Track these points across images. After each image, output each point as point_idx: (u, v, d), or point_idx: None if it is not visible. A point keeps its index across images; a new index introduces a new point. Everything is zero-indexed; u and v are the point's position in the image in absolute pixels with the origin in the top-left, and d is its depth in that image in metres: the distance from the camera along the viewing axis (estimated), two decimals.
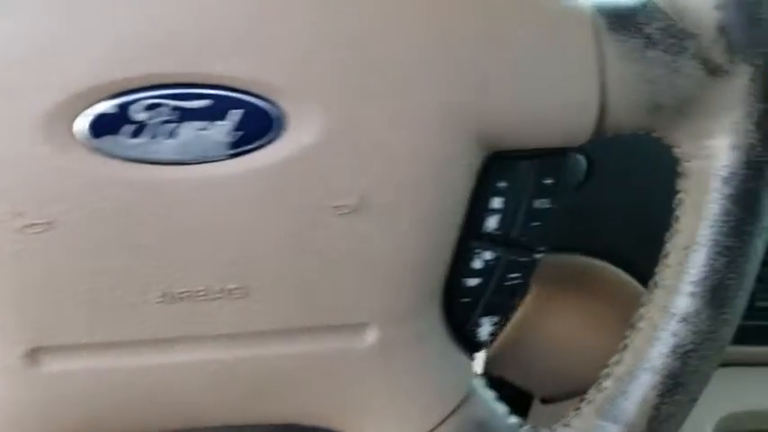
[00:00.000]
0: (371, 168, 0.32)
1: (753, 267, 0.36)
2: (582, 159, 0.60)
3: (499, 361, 0.85)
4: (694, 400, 0.37)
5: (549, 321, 0.77)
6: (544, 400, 0.93)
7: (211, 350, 0.34)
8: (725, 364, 0.75)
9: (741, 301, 0.36)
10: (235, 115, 0.31)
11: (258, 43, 0.30)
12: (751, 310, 0.70)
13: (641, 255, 0.43)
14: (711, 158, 0.35)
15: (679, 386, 0.36)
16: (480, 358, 0.85)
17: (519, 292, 0.37)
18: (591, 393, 0.38)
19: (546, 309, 0.76)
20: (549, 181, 0.36)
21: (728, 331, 0.36)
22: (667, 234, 0.37)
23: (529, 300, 0.74)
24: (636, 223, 0.61)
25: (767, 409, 0.77)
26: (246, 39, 0.30)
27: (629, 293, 0.65)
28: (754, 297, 0.69)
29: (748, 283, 0.36)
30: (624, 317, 0.40)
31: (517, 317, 0.77)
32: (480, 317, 0.37)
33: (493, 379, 0.91)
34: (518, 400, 0.96)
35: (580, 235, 0.63)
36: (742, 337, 0.72)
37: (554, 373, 0.83)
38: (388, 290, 0.34)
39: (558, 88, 0.33)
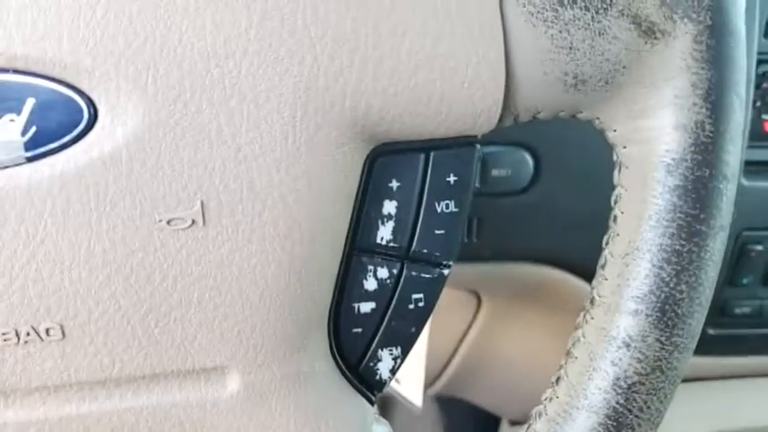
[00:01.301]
0: (211, 169, 0.25)
1: (709, 276, 0.28)
2: (528, 158, 0.54)
3: (460, 383, 0.78)
4: None
5: (507, 337, 0.71)
6: (513, 422, 0.87)
7: (29, 408, 0.27)
8: (703, 379, 0.69)
9: (696, 320, 0.29)
10: (28, 106, 0.24)
11: (42, 7, 0.23)
12: (729, 318, 0.64)
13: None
14: (652, 142, 0.28)
15: (624, 428, 0.29)
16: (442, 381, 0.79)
17: (424, 316, 0.30)
18: None
19: (502, 324, 0.69)
20: (452, 179, 0.29)
21: (682, 358, 0.29)
22: (605, 238, 0.30)
23: (482, 316, 0.68)
24: (592, 227, 0.54)
25: (749, 426, 0.70)
26: (25, 2, 0.23)
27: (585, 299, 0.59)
28: (731, 304, 0.64)
29: (704, 297, 0.28)
30: None
31: (472, 334, 0.70)
32: (378, 349, 0.30)
33: (457, 402, 0.86)
34: (486, 424, 0.90)
35: (531, 241, 0.57)
36: (720, 348, 0.66)
37: (519, 393, 0.77)
38: (248, 324, 0.27)
39: (452, 61, 0.26)
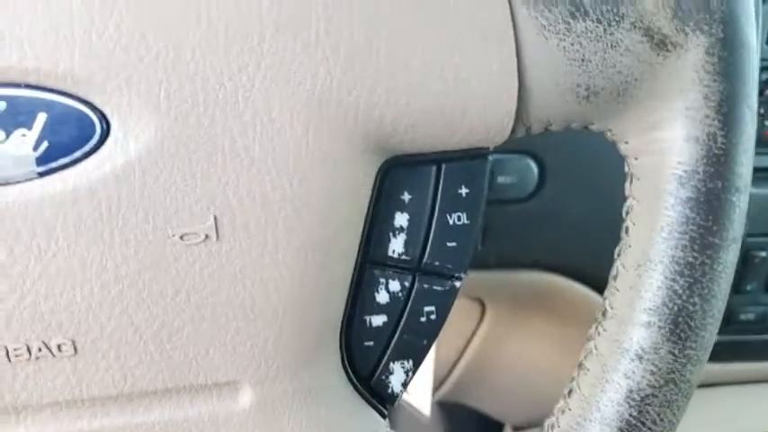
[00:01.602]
0: (225, 184, 0.25)
1: (722, 289, 0.28)
2: (533, 165, 0.54)
3: (463, 389, 0.78)
4: None
5: (511, 345, 0.71)
6: (516, 429, 0.87)
7: (40, 424, 0.27)
8: (708, 385, 0.69)
9: (709, 333, 0.28)
10: (40, 121, 0.24)
11: (53, 21, 0.23)
12: (733, 325, 0.64)
13: (604, 268, 0.36)
14: (664, 154, 0.28)
15: None
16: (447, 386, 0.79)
17: (436, 328, 0.30)
18: None
19: (506, 331, 0.69)
20: (464, 191, 0.29)
21: (695, 370, 0.29)
22: (617, 249, 0.30)
23: (486, 323, 0.68)
24: (596, 234, 0.54)
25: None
26: (37, 15, 0.23)
27: (597, 310, 0.59)
28: (736, 311, 0.64)
29: (717, 309, 0.28)
30: None
31: (476, 342, 0.70)
32: (390, 363, 0.30)
33: (461, 408, 0.85)
34: (489, 430, 0.90)
35: (536, 249, 0.57)
36: (725, 354, 0.66)
37: (523, 399, 0.77)
38: (260, 338, 0.27)
39: (464, 74, 0.26)
